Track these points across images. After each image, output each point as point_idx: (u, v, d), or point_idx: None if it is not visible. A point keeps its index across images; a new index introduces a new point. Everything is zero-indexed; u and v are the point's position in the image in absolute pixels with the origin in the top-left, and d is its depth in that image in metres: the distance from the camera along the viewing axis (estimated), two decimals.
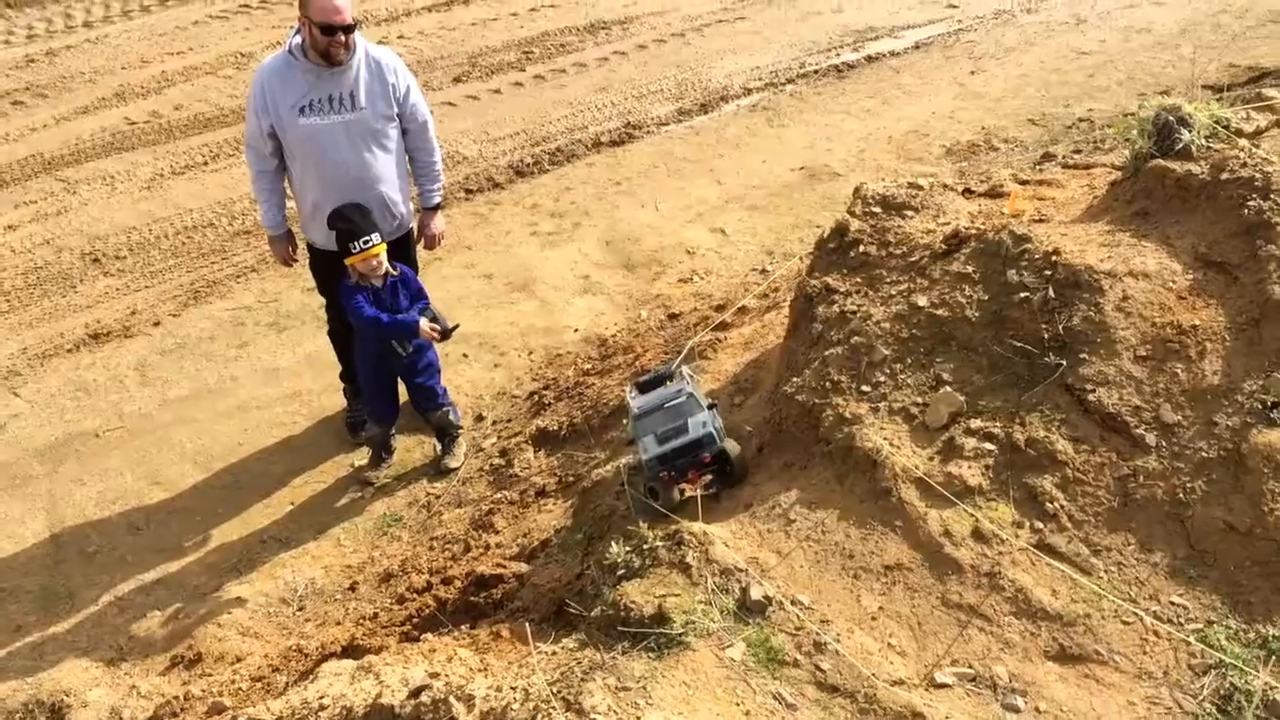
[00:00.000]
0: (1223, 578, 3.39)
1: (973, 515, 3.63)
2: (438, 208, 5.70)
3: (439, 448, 5.97)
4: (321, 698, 3.57)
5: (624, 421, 4.69)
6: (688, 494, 4.14)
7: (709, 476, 4.27)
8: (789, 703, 3.19)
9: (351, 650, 4.54)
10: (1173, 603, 3.38)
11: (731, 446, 4.27)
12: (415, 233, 5.76)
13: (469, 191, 8.74)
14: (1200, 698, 3.16)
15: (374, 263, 5.11)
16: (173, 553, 5.52)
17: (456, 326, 5.52)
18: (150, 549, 5.55)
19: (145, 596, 5.29)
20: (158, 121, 10.26)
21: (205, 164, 9.43)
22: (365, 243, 5.04)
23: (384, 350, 5.40)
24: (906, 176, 5.27)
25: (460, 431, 5.97)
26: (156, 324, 7.31)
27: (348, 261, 5.10)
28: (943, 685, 3.23)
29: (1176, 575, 3.43)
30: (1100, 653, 3.29)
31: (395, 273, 5.26)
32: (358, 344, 5.51)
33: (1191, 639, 3.26)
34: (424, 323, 5.25)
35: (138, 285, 7.75)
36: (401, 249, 5.61)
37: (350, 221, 5.05)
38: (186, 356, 6.98)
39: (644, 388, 4.47)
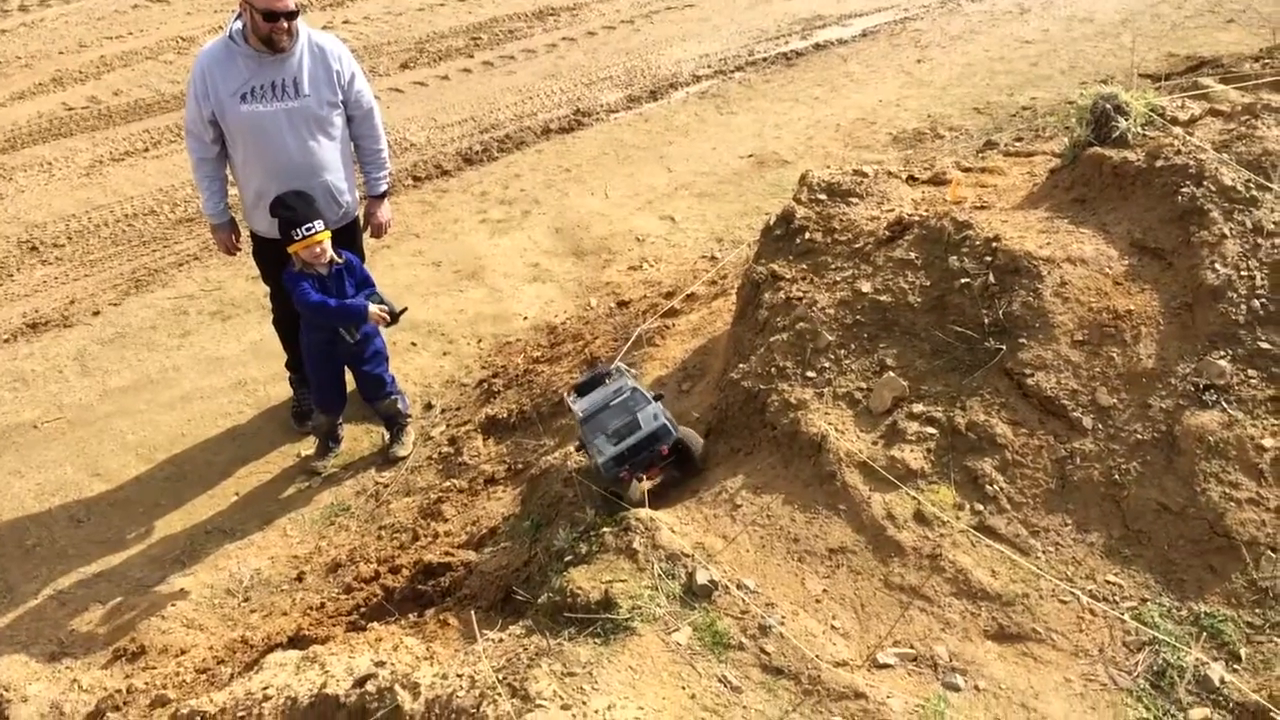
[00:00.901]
0: (1157, 557, 3.47)
1: (915, 498, 3.68)
2: (384, 195, 5.64)
3: (387, 436, 5.93)
4: (266, 688, 3.54)
5: (573, 421, 4.59)
6: (645, 488, 4.11)
7: (662, 470, 4.22)
8: (734, 685, 3.22)
9: (298, 640, 4.51)
10: (1108, 582, 3.45)
11: (690, 436, 4.23)
12: (361, 221, 5.70)
13: (417, 179, 8.66)
14: (1135, 674, 3.24)
15: (317, 250, 5.06)
16: (114, 545, 5.43)
17: (404, 310, 5.47)
18: (91, 541, 5.45)
19: (86, 590, 5.20)
20: (96, 107, 10.05)
21: (146, 150, 9.25)
22: (308, 229, 4.98)
23: (331, 338, 5.34)
24: (853, 164, 5.32)
25: (409, 420, 5.93)
26: (96, 313, 7.17)
27: (291, 249, 5.03)
28: (885, 666, 3.28)
29: (1112, 555, 3.51)
30: (1038, 631, 3.35)
31: (340, 260, 5.21)
32: (304, 332, 5.45)
33: (1126, 617, 3.34)
34: (372, 307, 5.21)
35: (77, 274, 7.60)
36: (347, 237, 5.55)
37: (292, 209, 4.99)
38: (128, 346, 6.86)
39: (583, 389, 4.40)
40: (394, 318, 5.35)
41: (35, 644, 4.91)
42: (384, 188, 5.61)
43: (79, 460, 5.96)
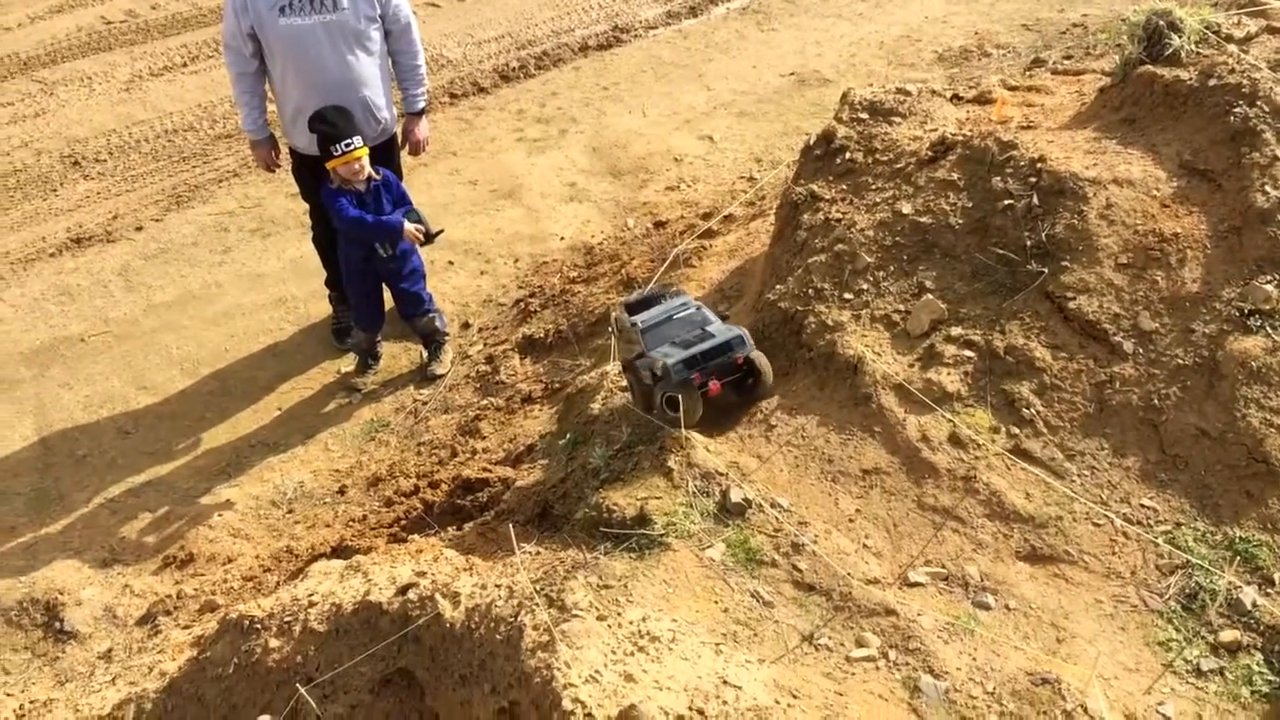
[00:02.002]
0: (1193, 481, 3.47)
1: (950, 421, 3.68)
2: (422, 112, 5.62)
3: (425, 354, 6.00)
4: (311, 595, 3.65)
5: (612, 340, 4.47)
6: (716, 389, 3.89)
7: (725, 386, 3.99)
8: (766, 600, 3.27)
9: (340, 551, 4.63)
10: (1143, 505, 3.46)
11: (762, 359, 4.03)
12: (399, 138, 5.69)
13: (453, 96, 8.60)
14: (1166, 596, 3.26)
15: (356, 166, 5.06)
16: (162, 456, 5.58)
17: (441, 231, 5.48)
18: (139, 452, 5.59)
19: (135, 499, 5.35)
20: (135, 21, 10.02)
21: (184, 65, 9.24)
22: (347, 145, 4.98)
23: (368, 255, 5.38)
24: (896, 82, 5.21)
25: (446, 338, 5.99)
26: (139, 228, 7.25)
27: (329, 165, 5.05)
28: (916, 584, 3.32)
29: (1148, 479, 3.51)
30: (1070, 553, 3.38)
31: (378, 177, 5.21)
32: (342, 249, 5.49)
33: (1160, 540, 3.35)
34: (408, 224, 5.22)
35: (118, 189, 7.67)
36: (385, 155, 5.54)
37: (331, 124, 4.99)
38: (170, 262, 6.95)
39: (633, 308, 4.29)
40: (429, 237, 5.36)
41: (88, 550, 5.08)
42: (422, 105, 5.58)
43: (126, 373, 6.09)
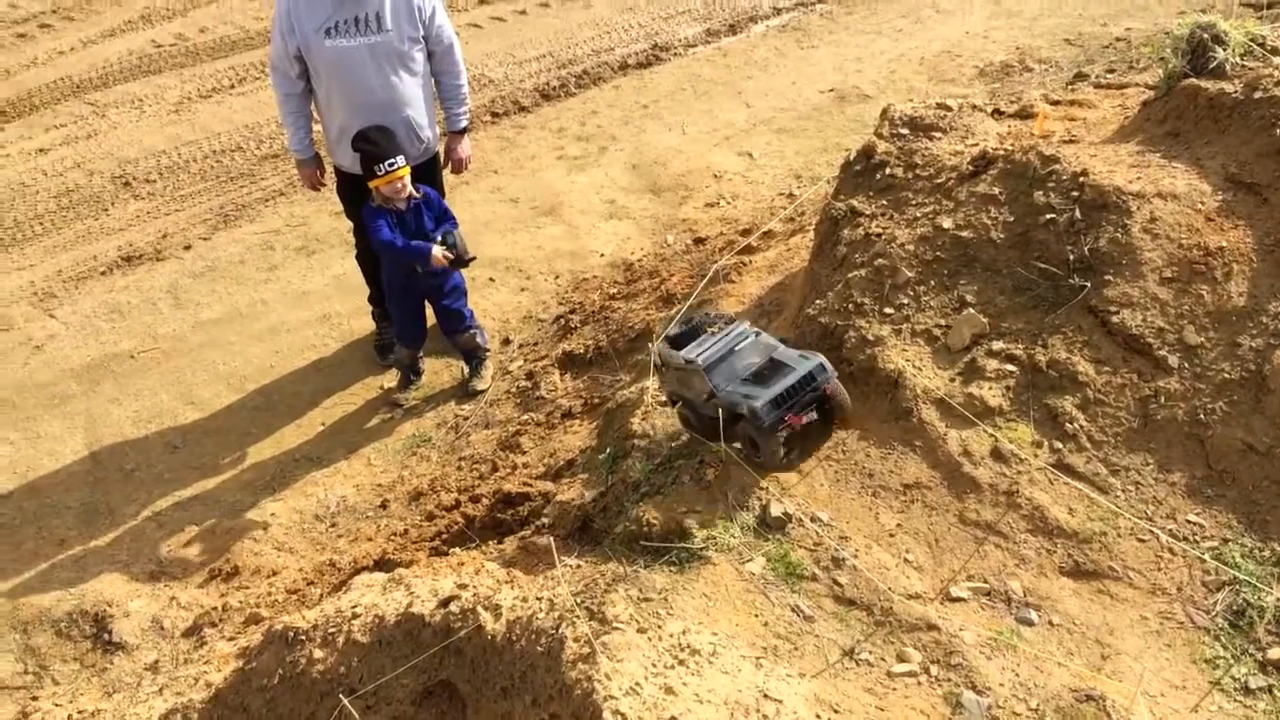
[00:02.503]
0: (1240, 497, 3.42)
1: (992, 435, 3.66)
2: (464, 131, 5.70)
3: (466, 370, 6.05)
4: (354, 607, 3.69)
5: (653, 367, 4.20)
6: (806, 420, 3.68)
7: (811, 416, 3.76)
8: (806, 614, 3.27)
9: (383, 564, 4.68)
10: (1189, 521, 3.42)
11: (839, 388, 3.80)
12: (441, 157, 5.77)
13: (495, 115, 8.70)
14: (1213, 613, 3.21)
15: (398, 185, 5.14)
16: (208, 470, 5.67)
17: (474, 258, 5.51)
18: (186, 466, 5.69)
19: (183, 512, 5.44)
20: (184, 44, 10.24)
21: (231, 87, 9.42)
22: (390, 165, 5.05)
23: (409, 272, 5.44)
24: (936, 98, 5.21)
25: (487, 354, 6.04)
26: (187, 247, 7.40)
27: (372, 184, 5.12)
28: (958, 599, 3.30)
29: (1194, 494, 3.47)
30: (1115, 569, 3.34)
31: (418, 195, 5.28)
32: (385, 267, 5.56)
33: (1206, 556, 3.31)
34: (437, 250, 5.26)
35: (168, 209, 7.83)
36: (427, 173, 5.62)
37: (374, 144, 5.06)
38: (217, 279, 7.07)
39: (678, 342, 4.01)
40: (461, 262, 5.37)
41: (135, 563, 5.17)
42: (464, 123, 5.65)
43: (174, 389, 6.20)
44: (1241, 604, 3.19)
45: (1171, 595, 3.27)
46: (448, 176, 5.93)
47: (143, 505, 5.49)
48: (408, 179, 5.18)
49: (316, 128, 5.58)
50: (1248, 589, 3.20)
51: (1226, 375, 3.57)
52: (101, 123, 8.98)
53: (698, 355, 3.82)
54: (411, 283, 5.51)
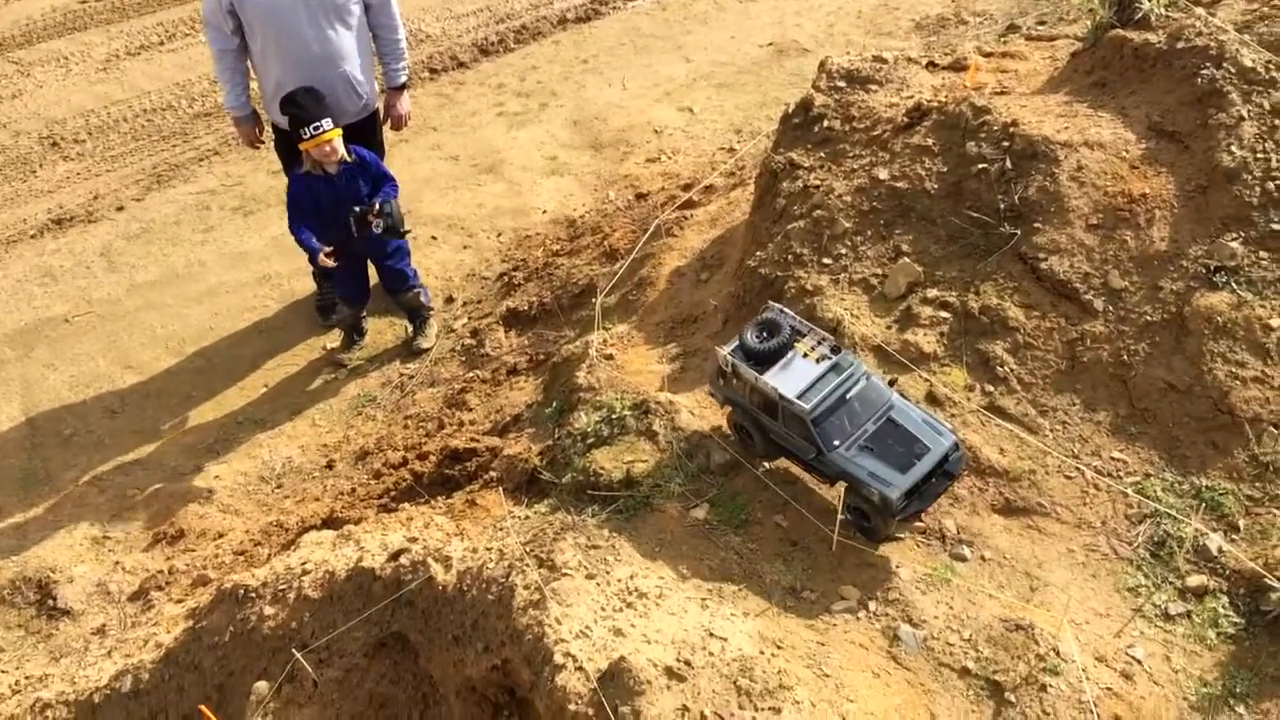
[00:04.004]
0: (1161, 434, 3.57)
1: (927, 380, 3.77)
2: (403, 87, 5.64)
3: (410, 329, 6.04)
4: (304, 564, 3.72)
5: (714, 381, 3.62)
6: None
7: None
8: (750, 556, 3.36)
9: (331, 522, 4.69)
10: (1113, 458, 3.56)
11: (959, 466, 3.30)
12: (381, 114, 5.71)
13: (433, 71, 8.59)
14: (1135, 545, 3.36)
15: (327, 149, 5.01)
16: (149, 435, 5.62)
17: (408, 231, 5.42)
18: (127, 431, 5.63)
19: (124, 477, 5.40)
20: (110, 0, 9.94)
21: (161, 44, 9.19)
22: (316, 129, 4.93)
23: (349, 234, 5.38)
24: (873, 51, 5.27)
25: (431, 313, 6.03)
26: (120, 208, 7.25)
27: (301, 146, 5.04)
28: (895, 538, 3.41)
29: (1118, 432, 3.61)
30: (1043, 505, 3.48)
31: (351, 159, 5.18)
32: (322, 226, 5.49)
33: (1129, 491, 3.46)
34: (323, 258, 5.15)
35: (98, 169, 7.65)
36: (367, 130, 5.57)
37: (301, 106, 4.95)
38: (152, 241, 6.96)
39: (763, 357, 3.31)
40: (392, 232, 5.21)
41: (78, 528, 5.13)
42: (403, 79, 5.60)
43: (111, 353, 6.11)
44: (1162, 535, 3.35)
45: (1096, 529, 3.41)
46: (388, 134, 5.87)
47: (83, 471, 5.43)
48: (338, 142, 5.07)
49: (254, 84, 5.49)
50: (1168, 521, 3.36)
51: (1149, 318, 3.71)
52: (26, 82, 8.73)
53: (802, 396, 3.20)
54: (352, 244, 5.46)
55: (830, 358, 3.29)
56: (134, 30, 9.40)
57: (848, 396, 3.22)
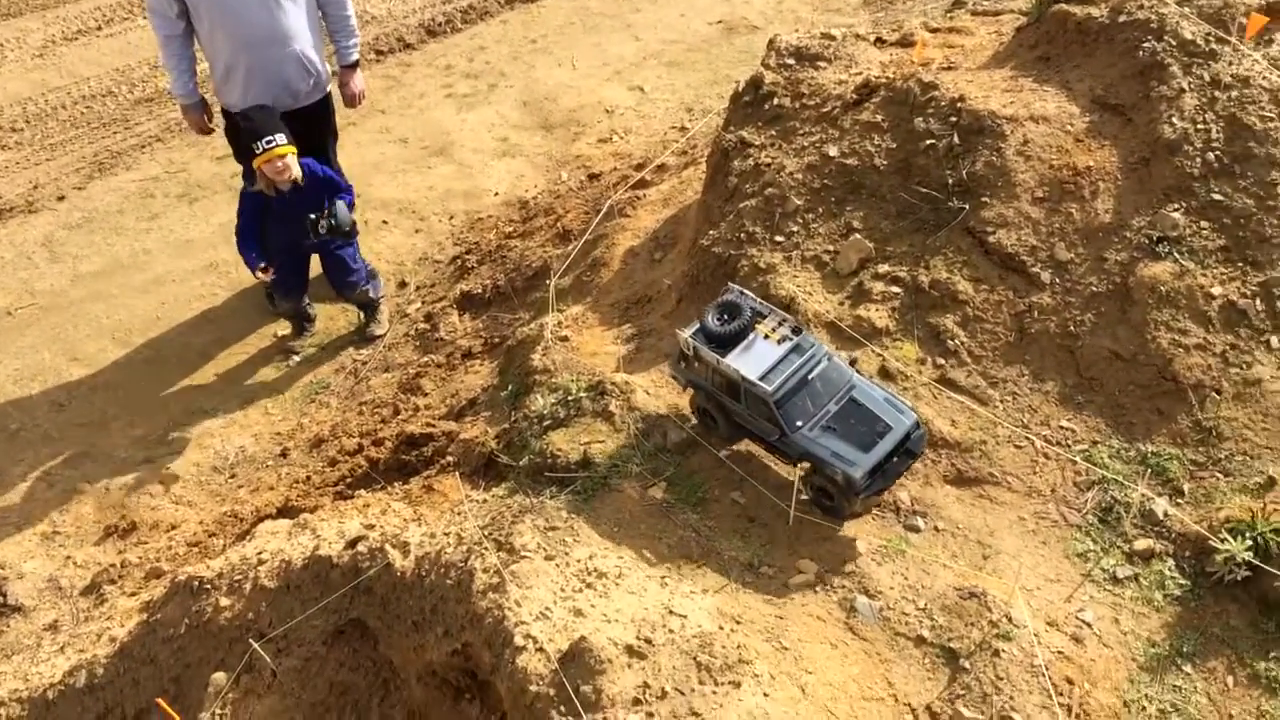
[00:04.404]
0: (1107, 402, 3.64)
1: (880, 355, 3.80)
2: (355, 65, 5.57)
3: (362, 317, 5.98)
4: (260, 553, 3.68)
5: (675, 364, 3.62)
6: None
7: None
8: (709, 534, 3.38)
9: (287, 511, 4.65)
10: (1062, 427, 3.62)
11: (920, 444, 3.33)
12: (334, 96, 5.62)
13: (379, 53, 8.49)
14: (1084, 511, 3.43)
15: (279, 165, 4.91)
16: (98, 427, 5.52)
17: (355, 234, 5.31)
18: (74, 424, 5.54)
19: (73, 471, 5.30)
20: None
21: (99, 29, 8.98)
22: (268, 143, 4.83)
23: (297, 239, 5.23)
24: (822, 27, 5.29)
25: (383, 299, 5.97)
26: (61, 198, 7.10)
27: (254, 164, 4.92)
28: (856, 515, 3.45)
29: (1066, 401, 3.67)
30: (994, 475, 3.53)
31: (301, 181, 5.05)
32: (270, 225, 5.35)
33: (1078, 459, 3.52)
34: (257, 271, 5.13)
35: (37, 158, 7.48)
36: (322, 112, 5.49)
37: (251, 120, 4.88)
38: (95, 230, 6.82)
39: (723, 339, 3.31)
40: (337, 231, 5.13)
41: (27, 524, 5.04)
42: (355, 56, 5.53)
43: (56, 346, 6.00)
44: (1110, 501, 3.41)
45: (1046, 496, 3.47)
46: (342, 113, 5.80)
47: (31, 466, 5.33)
48: (290, 159, 4.94)
49: (203, 67, 5.38)
50: (1115, 487, 3.42)
51: (1094, 288, 3.77)
52: None
53: (764, 378, 3.21)
54: (295, 240, 5.31)
55: (791, 339, 3.30)
56: (70, 15, 9.18)
57: (810, 377, 3.23)
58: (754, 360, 3.25)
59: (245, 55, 5.02)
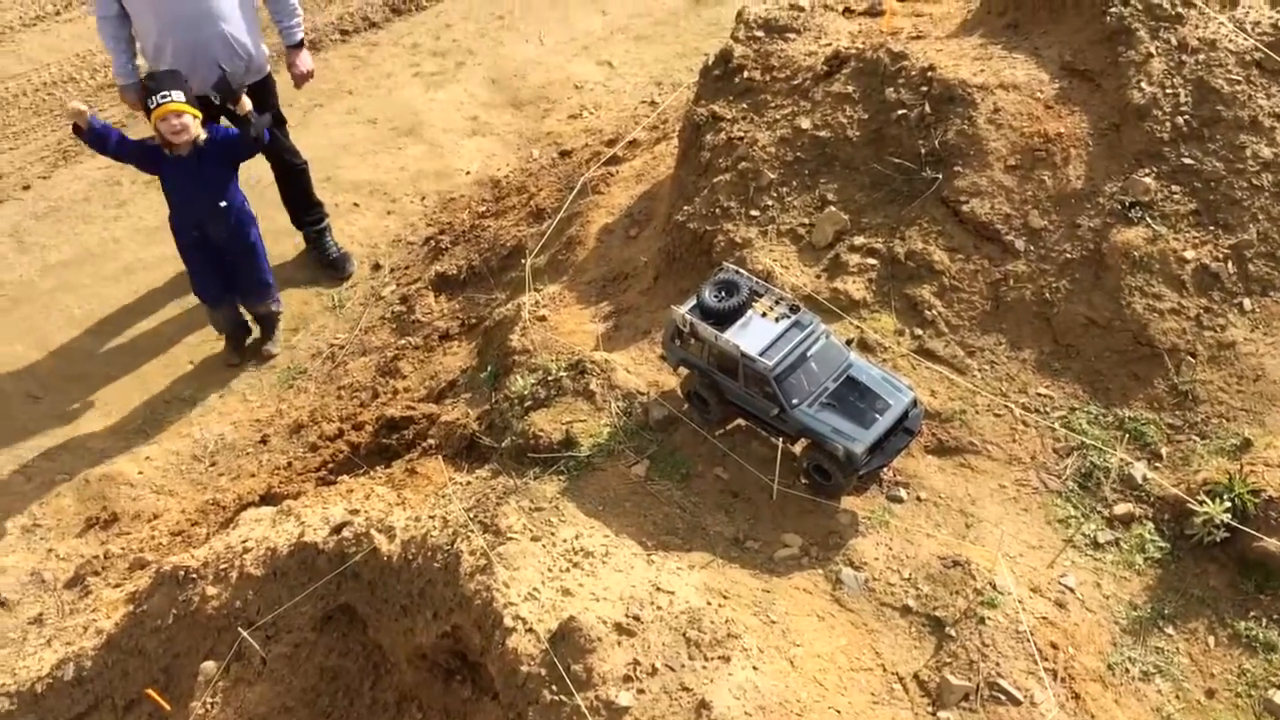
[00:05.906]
0: (1084, 368, 3.69)
1: (858, 327, 3.83)
2: (301, 44, 5.51)
3: (259, 332, 5.76)
4: (245, 541, 3.68)
5: (669, 343, 3.60)
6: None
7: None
8: (693, 510, 3.41)
9: (269, 499, 4.64)
10: (1040, 394, 3.67)
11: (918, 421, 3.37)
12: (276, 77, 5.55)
13: (344, 33, 8.37)
14: (1064, 477, 3.48)
15: (175, 123, 4.76)
16: (74, 419, 5.48)
17: (257, 138, 4.99)
18: (50, 416, 5.49)
19: (51, 463, 5.26)
20: None
21: (58, 14, 8.81)
22: (163, 97, 4.71)
23: (200, 222, 5.12)
24: None
25: (280, 317, 5.75)
26: (26, 187, 6.99)
27: (150, 119, 4.82)
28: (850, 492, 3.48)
29: (1043, 369, 3.72)
30: (975, 444, 3.57)
31: (202, 141, 4.90)
32: (172, 218, 5.23)
33: (1056, 425, 3.57)
34: (74, 105, 4.88)
35: (0, 147, 7.36)
36: (262, 96, 5.40)
37: (153, 78, 4.84)
38: (63, 219, 6.73)
39: (721, 316, 3.31)
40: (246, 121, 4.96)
41: (6, 518, 5.00)
42: (299, 36, 5.47)
43: (28, 337, 5.93)
44: (1089, 467, 3.46)
45: (1026, 464, 3.52)
46: (299, 97, 5.73)
47: (7, 460, 5.29)
48: (188, 121, 4.79)
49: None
50: (1094, 452, 3.48)
51: (1068, 255, 3.80)
52: None
53: (764, 354, 3.21)
54: (201, 235, 5.19)
55: (790, 316, 3.34)
56: (28, 0, 9.01)
57: (808, 355, 3.25)
58: (752, 337, 3.29)
59: (172, 35, 5.01)
